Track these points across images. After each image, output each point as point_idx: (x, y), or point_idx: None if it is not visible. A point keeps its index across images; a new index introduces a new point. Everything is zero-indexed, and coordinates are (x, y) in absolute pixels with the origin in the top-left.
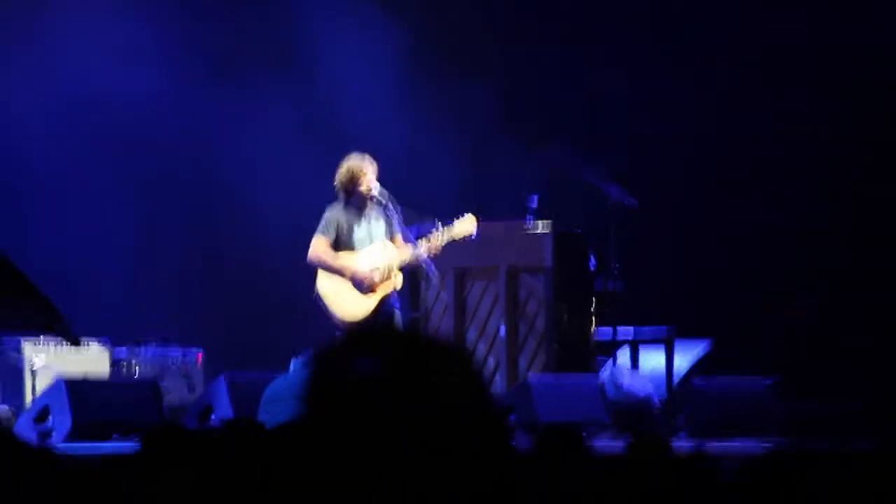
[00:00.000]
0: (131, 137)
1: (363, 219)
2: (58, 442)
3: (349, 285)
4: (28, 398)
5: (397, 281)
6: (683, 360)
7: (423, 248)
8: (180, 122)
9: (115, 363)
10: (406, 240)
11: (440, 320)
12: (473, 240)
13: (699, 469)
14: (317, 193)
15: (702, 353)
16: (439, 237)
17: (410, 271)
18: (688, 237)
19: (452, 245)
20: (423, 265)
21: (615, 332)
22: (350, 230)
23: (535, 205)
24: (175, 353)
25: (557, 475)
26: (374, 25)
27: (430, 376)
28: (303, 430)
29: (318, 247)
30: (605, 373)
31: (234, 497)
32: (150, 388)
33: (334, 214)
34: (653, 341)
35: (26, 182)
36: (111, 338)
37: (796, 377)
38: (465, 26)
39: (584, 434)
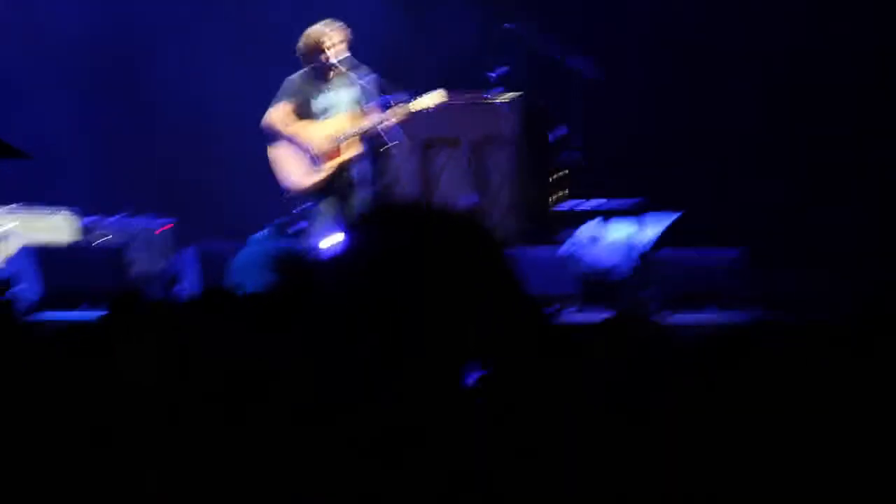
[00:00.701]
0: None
1: (325, 89)
2: (25, 310)
3: (300, 153)
4: None
5: (355, 150)
6: (652, 231)
7: (391, 116)
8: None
9: (82, 232)
10: (371, 110)
11: (405, 190)
12: (437, 112)
13: (660, 340)
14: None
15: (670, 224)
16: (405, 108)
17: (377, 140)
18: (655, 106)
19: (417, 117)
20: (385, 133)
21: (582, 203)
22: (307, 101)
23: (498, 77)
24: (144, 222)
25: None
26: None
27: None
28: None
29: (272, 114)
30: (569, 245)
31: (197, 368)
32: (116, 256)
33: (292, 84)
34: (623, 212)
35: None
36: (81, 208)
37: (766, 248)
38: None
39: (555, 307)
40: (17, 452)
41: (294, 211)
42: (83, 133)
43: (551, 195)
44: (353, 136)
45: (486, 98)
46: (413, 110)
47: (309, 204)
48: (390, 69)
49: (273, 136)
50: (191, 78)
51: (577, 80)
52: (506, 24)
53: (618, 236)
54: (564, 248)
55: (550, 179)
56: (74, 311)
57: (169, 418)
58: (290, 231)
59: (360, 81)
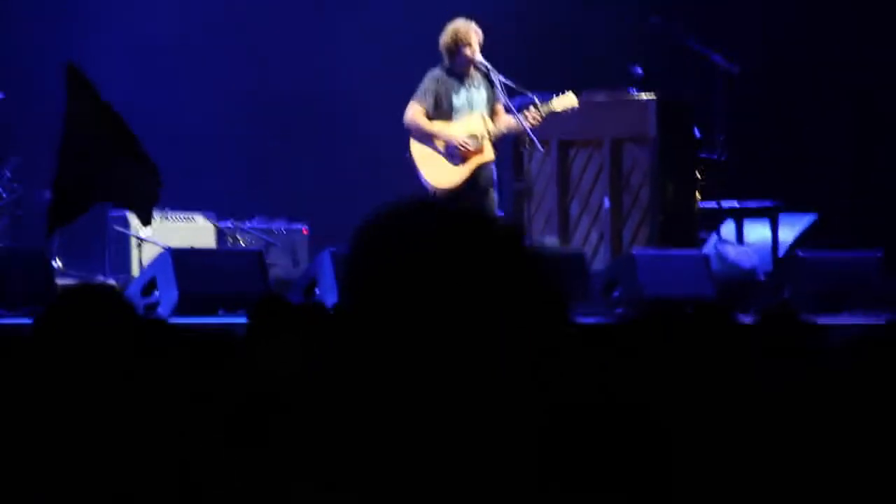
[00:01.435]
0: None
1: (463, 86)
2: (164, 315)
3: (442, 152)
4: (134, 271)
5: (491, 152)
6: (789, 233)
7: (525, 121)
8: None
9: (220, 236)
10: (508, 110)
11: (543, 192)
12: (576, 112)
13: (809, 338)
14: (414, 66)
15: (807, 226)
16: (540, 110)
17: (515, 141)
18: (794, 107)
19: (555, 117)
20: (527, 133)
21: (720, 204)
22: (449, 97)
23: (639, 74)
24: (280, 226)
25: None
26: None
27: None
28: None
29: (414, 111)
30: (709, 245)
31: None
32: (255, 259)
33: (433, 80)
34: (758, 213)
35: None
36: (217, 212)
37: None
38: None
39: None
40: (162, 455)
41: None
42: (216, 138)
43: (694, 194)
44: (498, 135)
45: (629, 95)
46: (549, 112)
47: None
48: (529, 66)
49: (416, 132)
50: (321, 77)
51: (722, 76)
52: (651, 18)
53: (756, 237)
54: (705, 249)
55: (694, 178)
56: (212, 317)
57: (311, 423)
58: None
59: (496, 80)
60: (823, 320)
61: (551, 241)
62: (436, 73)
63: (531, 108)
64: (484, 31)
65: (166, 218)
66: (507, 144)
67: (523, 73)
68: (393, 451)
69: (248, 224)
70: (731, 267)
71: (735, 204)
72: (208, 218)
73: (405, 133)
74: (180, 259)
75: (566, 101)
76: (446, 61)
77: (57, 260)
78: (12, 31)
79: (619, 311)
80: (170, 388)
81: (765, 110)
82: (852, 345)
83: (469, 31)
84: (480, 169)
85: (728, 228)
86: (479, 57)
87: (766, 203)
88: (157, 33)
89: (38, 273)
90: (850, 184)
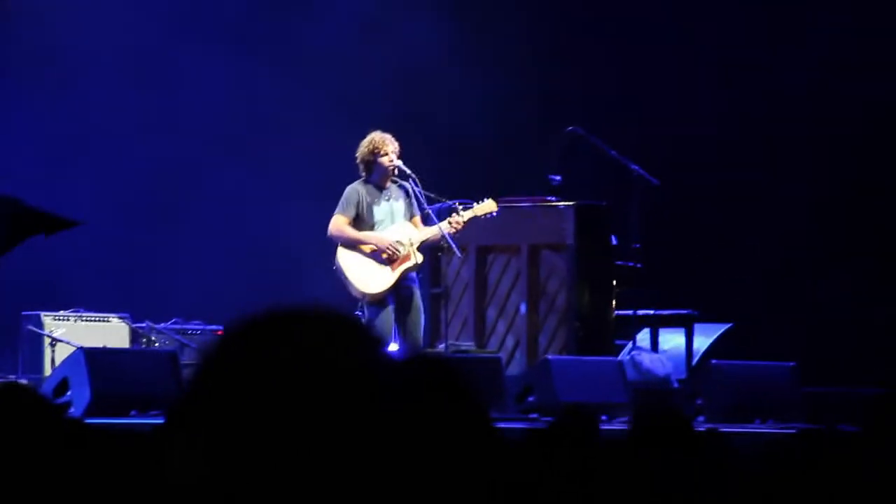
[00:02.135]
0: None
1: (383, 197)
2: (76, 415)
3: (370, 258)
4: (47, 370)
5: (418, 257)
6: (703, 341)
7: (445, 228)
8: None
9: (134, 336)
10: (427, 220)
11: (460, 298)
12: (495, 218)
13: (715, 449)
14: (333, 172)
15: (721, 335)
16: (461, 216)
17: (432, 247)
18: (709, 218)
19: (475, 223)
20: (446, 239)
21: (636, 312)
22: (370, 208)
23: (557, 182)
24: (196, 327)
25: (570, 456)
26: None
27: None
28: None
29: (338, 221)
30: (625, 353)
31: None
32: (169, 359)
33: (354, 192)
34: (673, 322)
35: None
36: (132, 314)
37: (817, 362)
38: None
39: (602, 416)
40: None
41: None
42: (130, 242)
43: (610, 302)
44: (422, 242)
45: (547, 202)
46: (470, 217)
47: (370, 310)
48: (448, 174)
49: (343, 241)
50: (242, 186)
51: (639, 185)
52: (569, 128)
53: (670, 346)
54: (620, 356)
55: (610, 286)
56: (125, 418)
57: None
58: None
59: (414, 190)
60: (736, 429)
61: (467, 345)
62: (355, 185)
63: (453, 214)
64: (401, 141)
65: (80, 318)
66: (423, 249)
67: (443, 181)
68: None
69: (162, 325)
70: (645, 374)
71: (650, 312)
72: (123, 319)
73: (325, 242)
74: (93, 358)
75: (486, 207)
76: (364, 174)
77: None
78: None
79: (533, 416)
80: (87, 489)
81: (680, 220)
82: (763, 453)
83: (385, 141)
84: (407, 273)
85: (643, 336)
86: (398, 162)
87: (682, 311)
88: (62, 131)
89: None
90: (764, 295)
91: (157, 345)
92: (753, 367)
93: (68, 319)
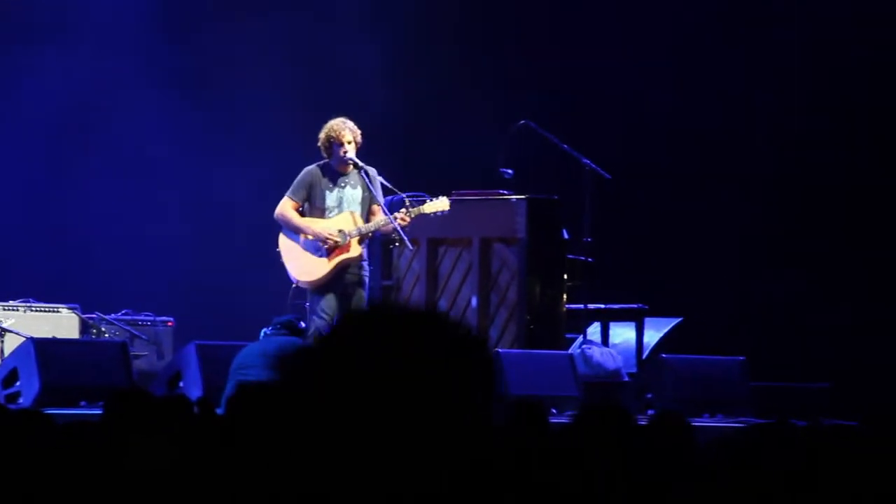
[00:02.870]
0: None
1: (338, 185)
2: (26, 405)
3: (309, 246)
4: None
5: (357, 249)
6: (653, 335)
7: (395, 220)
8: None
9: (84, 327)
10: (384, 208)
11: (411, 290)
12: (447, 211)
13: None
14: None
15: (671, 329)
16: (410, 212)
17: (384, 240)
18: (660, 213)
19: (427, 216)
20: (397, 231)
21: (586, 306)
22: (322, 195)
23: (509, 175)
24: (146, 318)
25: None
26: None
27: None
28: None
29: (285, 206)
30: (575, 347)
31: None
32: (119, 350)
33: (307, 175)
34: (623, 316)
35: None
36: (82, 305)
37: (766, 357)
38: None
39: (552, 409)
40: None
41: (296, 307)
42: (82, 230)
43: (561, 295)
44: (367, 233)
45: (499, 195)
46: (421, 214)
47: (313, 299)
48: (400, 167)
49: (285, 225)
50: (190, 175)
51: (591, 179)
52: (522, 121)
53: (620, 340)
54: (571, 350)
55: (561, 279)
56: (74, 408)
57: None
58: (297, 327)
59: (370, 180)
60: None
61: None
62: (311, 169)
63: (402, 209)
64: (361, 130)
65: (29, 309)
66: (376, 241)
67: (397, 173)
68: None
69: (112, 316)
70: (595, 368)
71: (601, 306)
72: (73, 309)
73: (274, 229)
74: (43, 349)
75: (438, 205)
76: (324, 156)
77: None
78: None
79: None
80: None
81: (632, 214)
82: (713, 447)
83: (343, 129)
84: (347, 265)
85: (594, 330)
86: (351, 155)
87: (632, 306)
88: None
89: None
90: (714, 289)
91: (106, 336)
92: (703, 362)
93: (17, 310)
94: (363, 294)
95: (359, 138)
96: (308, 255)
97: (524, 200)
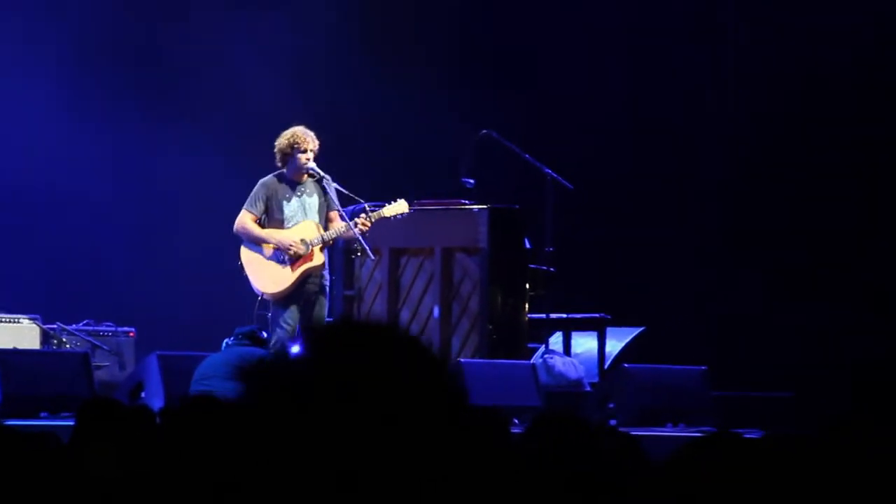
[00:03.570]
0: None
1: (295, 194)
2: None
3: (271, 257)
4: None
5: (320, 257)
6: (615, 345)
7: (355, 227)
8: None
9: (45, 338)
10: (340, 217)
11: (373, 300)
12: (408, 218)
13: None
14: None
15: (633, 339)
16: (370, 217)
17: (345, 247)
18: (621, 223)
19: (388, 225)
20: (358, 240)
21: (548, 315)
22: (280, 205)
23: (470, 185)
24: (107, 329)
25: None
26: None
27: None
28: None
29: (244, 219)
30: (537, 356)
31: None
32: (80, 361)
33: (264, 188)
34: (585, 325)
35: None
36: (43, 315)
37: (727, 366)
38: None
39: (514, 419)
40: None
41: (258, 318)
42: (42, 243)
43: (523, 305)
44: (329, 241)
45: (460, 204)
46: (381, 217)
47: (275, 310)
48: (363, 175)
49: (246, 238)
50: (153, 184)
51: (552, 189)
52: (483, 130)
53: (582, 349)
54: (533, 359)
55: (524, 289)
56: (35, 419)
57: None
58: (260, 337)
59: (329, 188)
60: (646, 432)
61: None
62: (267, 180)
63: (361, 215)
64: (319, 140)
65: None
66: (338, 251)
67: (357, 183)
68: None
69: (73, 326)
70: (557, 378)
71: (563, 316)
72: (34, 320)
73: (235, 241)
74: (3, 360)
75: (397, 207)
76: (280, 165)
77: None
78: None
79: None
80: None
81: (593, 224)
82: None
83: (306, 138)
84: (309, 275)
85: (556, 340)
86: (312, 164)
87: (594, 315)
88: None
89: None
90: (676, 299)
91: (67, 346)
92: (664, 371)
93: None
94: (325, 302)
95: (317, 148)
96: (271, 266)
97: (486, 210)
